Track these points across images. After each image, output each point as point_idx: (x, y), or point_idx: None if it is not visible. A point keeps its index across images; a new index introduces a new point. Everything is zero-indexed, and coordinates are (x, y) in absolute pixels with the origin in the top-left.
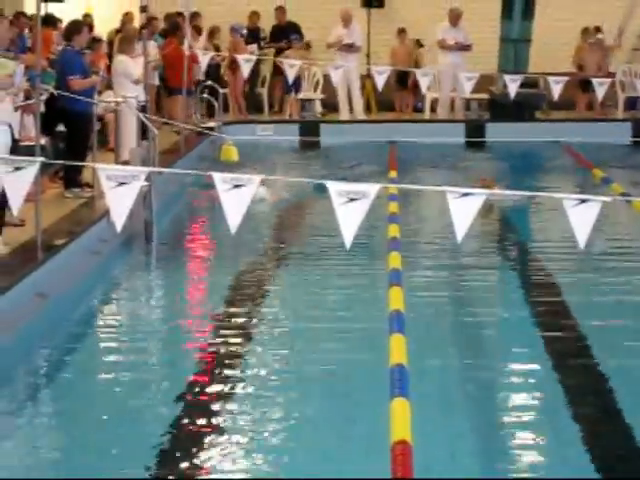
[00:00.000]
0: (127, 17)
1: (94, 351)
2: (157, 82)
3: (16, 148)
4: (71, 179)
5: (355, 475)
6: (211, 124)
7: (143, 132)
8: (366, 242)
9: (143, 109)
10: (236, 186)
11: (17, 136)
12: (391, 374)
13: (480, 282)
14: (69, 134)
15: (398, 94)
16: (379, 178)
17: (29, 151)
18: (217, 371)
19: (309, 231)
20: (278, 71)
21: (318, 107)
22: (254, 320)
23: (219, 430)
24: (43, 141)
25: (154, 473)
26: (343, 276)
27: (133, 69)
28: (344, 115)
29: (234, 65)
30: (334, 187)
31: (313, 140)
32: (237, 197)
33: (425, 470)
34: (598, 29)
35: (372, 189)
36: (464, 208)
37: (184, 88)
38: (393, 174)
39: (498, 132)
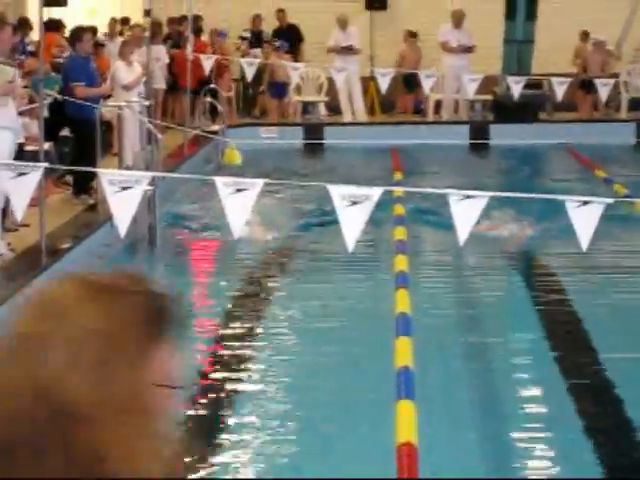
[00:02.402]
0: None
1: None
2: (164, 85)
3: (20, 153)
4: (81, 186)
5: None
6: (215, 127)
7: (148, 136)
8: (372, 245)
9: (148, 112)
10: (238, 190)
11: (21, 141)
12: (397, 376)
13: (485, 284)
14: (76, 141)
15: (402, 97)
16: (384, 181)
17: (33, 156)
18: (221, 375)
19: (313, 235)
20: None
21: (322, 110)
22: (259, 324)
23: (225, 430)
24: (47, 146)
25: None
26: (349, 279)
27: (124, 74)
28: (347, 117)
29: (221, 69)
30: (336, 190)
31: (317, 142)
32: (240, 201)
33: (431, 472)
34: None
35: (375, 192)
36: (467, 211)
37: (188, 91)
38: (398, 176)
39: (502, 133)
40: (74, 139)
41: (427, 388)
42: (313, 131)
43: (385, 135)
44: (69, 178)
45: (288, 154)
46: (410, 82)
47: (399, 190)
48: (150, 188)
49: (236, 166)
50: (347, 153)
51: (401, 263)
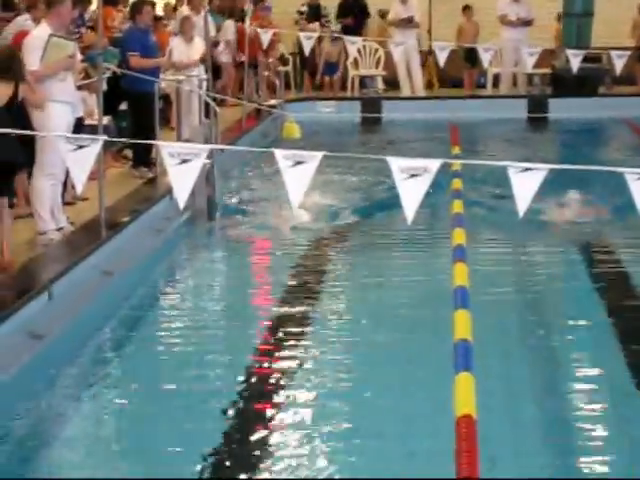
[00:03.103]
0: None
1: (157, 329)
2: (229, 60)
3: (80, 127)
4: (140, 159)
5: (420, 451)
6: (273, 101)
7: (206, 110)
8: (430, 218)
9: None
10: (298, 162)
11: (80, 115)
12: (455, 349)
13: (543, 256)
14: (133, 115)
15: (467, 71)
16: (442, 154)
17: (92, 130)
18: (279, 351)
19: (370, 209)
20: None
21: (380, 84)
22: (317, 298)
23: (280, 408)
24: (106, 120)
25: (212, 457)
26: (407, 252)
27: (182, 50)
28: (405, 92)
29: (272, 43)
30: (396, 163)
31: (375, 117)
32: (299, 174)
33: (489, 445)
34: None
35: (433, 164)
36: (525, 183)
37: (246, 66)
38: (456, 150)
39: (561, 107)
40: (131, 113)
41: (486, 361)
42: (371, 105)
43: (443, 109)
44: (128, 152)
45: (346, 128)
46: (470, 56)
47: (457, 163)
48: (209, 161)
49: (295, 139)
50: (405, 127)
51: (459, 237)
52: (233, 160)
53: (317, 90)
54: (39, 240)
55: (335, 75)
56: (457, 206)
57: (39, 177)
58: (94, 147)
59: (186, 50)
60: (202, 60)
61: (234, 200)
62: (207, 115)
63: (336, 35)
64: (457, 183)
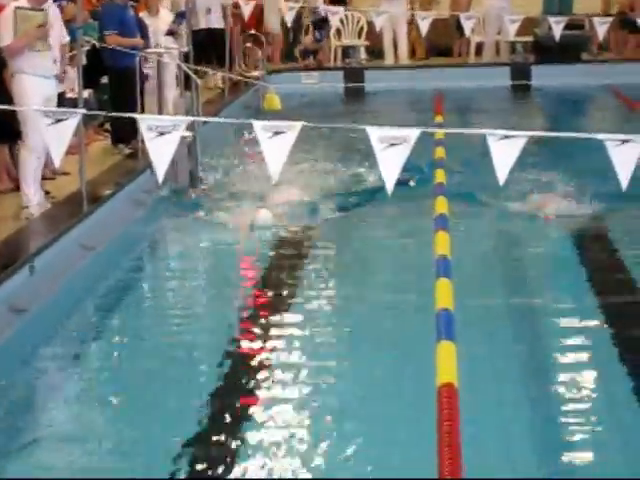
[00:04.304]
0: None
1: (139, 303)
2: (222, 25)
3: (60, 101)
4: (119, 135)
5: (402, 419)
6: (255, 73)
7: (186, 82)
8: (412, 188)
9: (186, 59)
10: (276, 133)
11: (62, 90)
12: (437, 318)
13: (524, 224)
14: (113, 90)
15: (457, 41)
16: (425, 123)
17: (73, 104)
18: (264, 320)
19: (353, 179)
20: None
21: (362, 54)
22: (301, 267)
23: (266, 378)
24: (86, 93)
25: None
26: (390, 222)
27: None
28: (389, 60)
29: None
30: (374, 132)
31: (358, 86)
32: (278, 145)
33: (471, 414)
34: None
35: (412, 133)
36: (505, 151)
37: (227, 36)
38: (439, 119)
39: (544, 75)
40: (112, 88)
41: (468, 331)
42: (354, 75)
43: (426, 78)
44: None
45: (329, 99)
46: (460, 25)
47: (440, 132)
48: (190, 134)
49: (276, 111)
50: (388, 97)
51: (441, 206)
52: (216, 133)
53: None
54: (22, 214)
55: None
56: (439, 175)
57: (22, 150)
58: (72, 121)
59: (152, 23)
60: (170, 32)
61: (216, 173)
62: (188, 88)
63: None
64: (440, 152)
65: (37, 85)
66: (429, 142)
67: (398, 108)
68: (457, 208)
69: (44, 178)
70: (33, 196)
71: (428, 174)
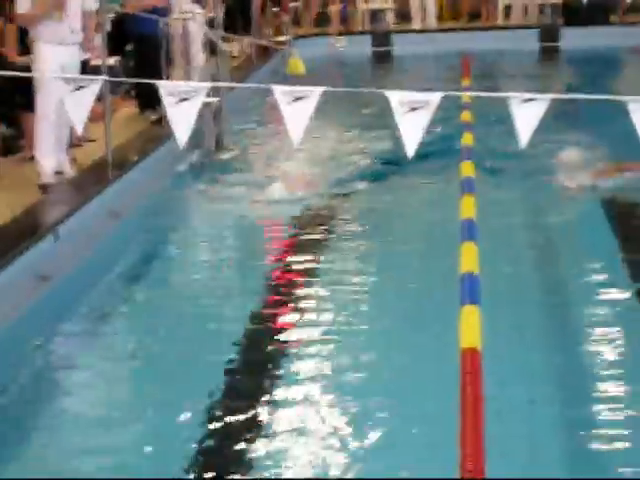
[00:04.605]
0: None
1: (164, 270)
2: None
3: (85, 68)
4: (145, 101)
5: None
6: (282, 38)
7: (212, 49)
8: (438, 152)
9: (211, 25)
10: (297, 98)
11: (87, 57)
12: (462, 282)
13: (553, 191)
14: (137, 57)
15: (484, 3)
16: (452, 87)
17: (97, 71)
18: (289, 287)
19: (376, 145)
20: None
21: (390, 17)
22: (328, 231)
23: (294, 341)
24: (112, 61)
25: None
26: (413, 185)
27: None
28: (416, 24)
29: None
30: (395, 97)
31: (386, 50)
32: (298, 110)
33: (495, 379)
34: None
35: (434, 97)
36: (528, 113)
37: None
38: (466, 82)
39: (572, 37)
40: (135, 55)
41: (494, 296)
42: (381, 39)
43: (454, 41)
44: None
45: (355, 63)
46: None
47: (467, 95)
48: (216, 100)
49: (300, 75)
50: (416, 61)
51: (467, 169)
52: (243, 99)
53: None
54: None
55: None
56: (466, 138)
57: (35, 119)
58: (93, 88)
59: None
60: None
61: (242, 139)
62: (214, 54)
63: None
64: (466, 115)
65: (52, 52)
66: (456, 106)
67: (426, 72)
68: (483, 174)
69: (71, 146)
70: (47, 165)
71: (453, 141)
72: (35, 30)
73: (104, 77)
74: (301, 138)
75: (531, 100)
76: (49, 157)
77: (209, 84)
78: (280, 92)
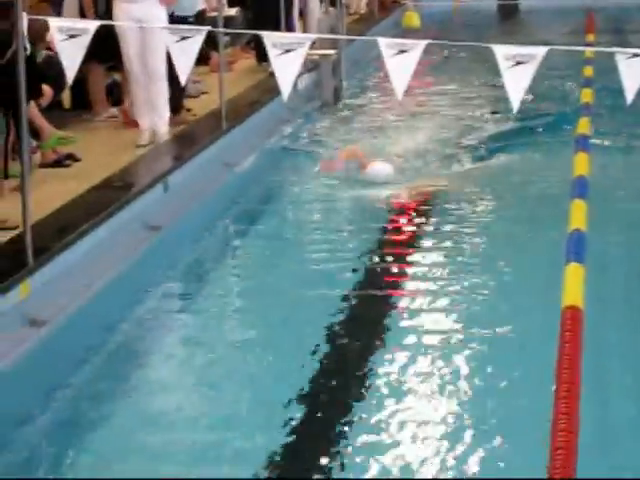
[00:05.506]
0: None
1: (274, 222)
2: None
3: (202, 19)
4: (263, 52)
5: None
6: None
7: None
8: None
9: None
10: (401, 51)
11: (202, 7)
12: (568, 239)
13: None
14: (252, 6)
15: None
16: (576, 43)
17: (213, 22)
18: (395, 253)
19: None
20: None
21: None
22: (433, 197)
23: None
24: (233, 11)
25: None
26: (525, 142)
27: None
28: None
29: None
30: (500, 51)
31: (512, 4)
32: (402, 62)
33: (594, 337)
34: None
35: (539, 51)
36: (636, 68)
37: None
38: (590, 38)
39: None
40: (252, 4)
41: (601, 256)
42: None
43: None
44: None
45: (482, 18)
46: None
47: (589, 51)
48: (334, 52)
49: (415, 29)
50: (543, 15)
51: (583, 126)
52: (363, 51)
53: None
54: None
55: None
56: (585, 95)
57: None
58: (197, 38)
59: None
60: None
61: (359, 91)
62: (333, 4)
63: None
64: (588, 70)
65: (123, 9)
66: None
67: (551, 27)
68: (600, 136)
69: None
70: (141, 124)
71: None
72: None
73: (208, 28)
74: (404, 90)
75: (637, 56)
76: (141, 117)
77: (311, 36)
78: (385, 45)
